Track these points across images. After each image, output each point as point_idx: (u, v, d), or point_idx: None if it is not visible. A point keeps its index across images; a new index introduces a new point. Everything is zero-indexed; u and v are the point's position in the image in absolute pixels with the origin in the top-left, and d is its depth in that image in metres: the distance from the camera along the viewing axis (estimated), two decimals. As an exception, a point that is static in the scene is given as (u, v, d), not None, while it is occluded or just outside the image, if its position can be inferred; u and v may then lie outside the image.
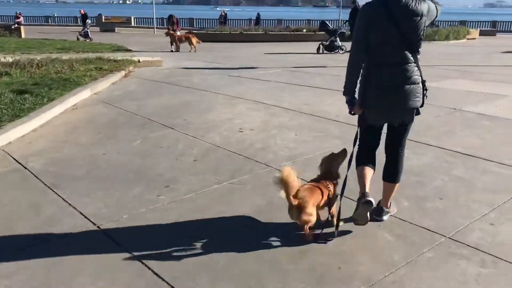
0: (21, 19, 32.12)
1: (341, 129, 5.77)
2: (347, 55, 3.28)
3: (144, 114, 6.49)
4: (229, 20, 43.51)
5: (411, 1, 2.93)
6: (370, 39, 3.01)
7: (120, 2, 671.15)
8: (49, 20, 44.96)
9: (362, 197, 3.12)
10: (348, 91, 3.15)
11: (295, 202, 2.91)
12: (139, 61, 11.55)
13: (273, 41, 24.67)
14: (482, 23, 38.72)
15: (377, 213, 3.37)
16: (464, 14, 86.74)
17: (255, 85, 9.20)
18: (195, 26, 41.89)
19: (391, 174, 3.33)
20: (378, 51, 3.03)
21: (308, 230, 3.04)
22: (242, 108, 6.99)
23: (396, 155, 3.31)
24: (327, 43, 17.07)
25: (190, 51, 16.83)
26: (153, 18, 38.15)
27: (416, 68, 3.05)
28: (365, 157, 3.32)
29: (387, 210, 3.41)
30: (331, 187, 3.21)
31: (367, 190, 3.18)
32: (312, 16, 55.92)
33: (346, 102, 3.19)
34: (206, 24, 43.66)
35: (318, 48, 17.24)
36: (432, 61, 13.96)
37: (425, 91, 3.12)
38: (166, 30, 18.17)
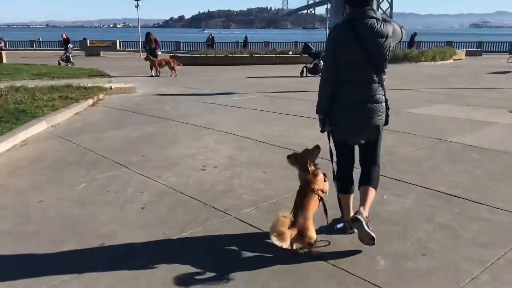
0: (2, 44, 31.53)
1: (314, 166, 5.18)
2: None
3: (99, 150, 5.87)
4: (217, 43, 43.38)
5: (376, 23, 3.07)
6: (338, 59, 3.14)
7: (111, 26, 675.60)
8: (34, 45, 44.48)
9: (349, 221, 3.35)
10: (320, 110, 3.31)
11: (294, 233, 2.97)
12: (111, 88, 10.99)
13: (259, 63, 24.34)
14: (468, 43, 38.91)
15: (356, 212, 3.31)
16: (450, 35, 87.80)
17: (229, 113, 8.65)
18: (182, 49, 41.70)
19: (367, 178, 3.41)
20: (345, 71, 3.16)
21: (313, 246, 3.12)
22: (209, 140, 6.41)
23: (370, 167, 3.44)
24: (311, 66, 16.68)
25: (170, 76, 16.35)
26: (138, 42, 37.83)
27: (380, 88, 3.19)
28: (346, 182, 3.49)
29: (365, 213, 3.24)
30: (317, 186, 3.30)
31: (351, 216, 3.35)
32: (300, 38, 56.06)
33: (319, 120, 3.35)
34: (193, 47, 43.43)
35: (302, 71, 16.84)
36: (418, 84, 13.57)
37: (387, 110, 3.27)
38: (145, 56, 17.67)
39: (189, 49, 41.93)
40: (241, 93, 11.55)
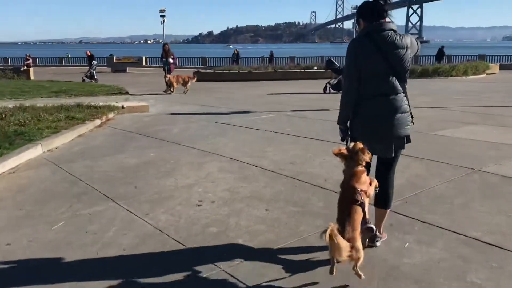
0: (30, 61, 32.04)
1: (326, 201, 4.53)
2: None
3: (91, 180, 5.36)
4: (242, 59, 43.22)
5: (395, 36, 3.13)
6: (361, 72, 3.16)
7: (142, 42, 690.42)
8: (63, 61, 45.34)
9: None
10: (342, 121, 3.33)
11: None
12: (122, 107, 10.60)
13: (283, 79, 23.85)
14: (502, 57, 37.27)
15: (371, 240, 3.49)
16: (483, 48, 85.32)
17: (240, 135, 8.06)
18: (207, 65, 41.66)
19: (383, 200, 3.46)
20: (368, 83, 3.18)
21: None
22: (212, 168, 5.82)
23: (386, 181, 3.43)
24: (335, 82, 16.01)
25: (184, 93, 16.05)
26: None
27: (405, 98, 3.24)
28: None
29: (380, 236, 3.54)
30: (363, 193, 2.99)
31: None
32: (328, 52, 55.16)
33: (340, 130, 3.38)
34: (219, 62, 43.38)
35: (325, 88, 16.20)
36: (448, 101, 12.70)
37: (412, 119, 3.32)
38: (164, 75, 17.36)
39: (214, 64, 41.90)
40: (258, 111, 10.98)
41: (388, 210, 3.51)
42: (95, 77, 24.89)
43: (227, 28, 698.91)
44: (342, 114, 3.30)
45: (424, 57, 35.89)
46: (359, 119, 3.24)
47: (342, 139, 3.38)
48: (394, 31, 3.14)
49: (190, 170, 5.76)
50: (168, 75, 16.72)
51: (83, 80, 24.22)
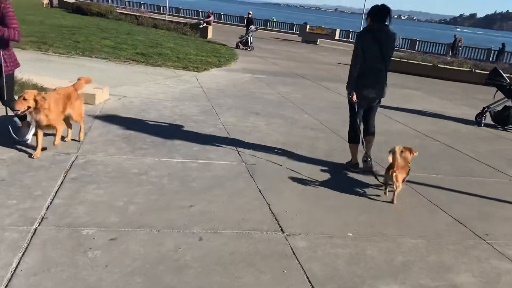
0: (211, 18, 30.84)
1: None
2: None
3: None
4: (465, 48, 34.62)
5: (389, 32, 4.94)
6: (364, 56, 4.96)
7: (395, 16, 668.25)
8: (267, 24, 43.85)
9: (357, 165, 5.35)
10: (348, 87, 5.08)
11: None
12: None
13: (481, 83, 16.60)
14: None
15: (365, 159, 5.25)
16: None
17: None
18: (416, 49, 34.43)
19: (370, 131, 5.35)
20: (367, 63, 4.97)
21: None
22: None
23: (369, 120, 5.34)
24: (498, 109, 9.16)
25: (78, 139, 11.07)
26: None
27: (385, 75, 5.12)
28: (356, 136, 5.24)
29: (370, 158, 5.27)
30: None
31: (359, 160, 5.34)
32: None
33: (348, 93, 5.08)
34: (433, 48, 35.66)
35: (481, 114, 9.37)
36: None
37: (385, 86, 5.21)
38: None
39: (428, 50, 34.47)
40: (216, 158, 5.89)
41: (373, 138, 5.36)
42: (250, 44, 21.51)
43: (495, 12, 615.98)
44: (349, 82, 5.06)
45: None
46: (359, 86, 5.01)
47: (350, 96, 5.05)
48: (388, 28, 4.93)
49: None
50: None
51: (237, 46, 21.21)
